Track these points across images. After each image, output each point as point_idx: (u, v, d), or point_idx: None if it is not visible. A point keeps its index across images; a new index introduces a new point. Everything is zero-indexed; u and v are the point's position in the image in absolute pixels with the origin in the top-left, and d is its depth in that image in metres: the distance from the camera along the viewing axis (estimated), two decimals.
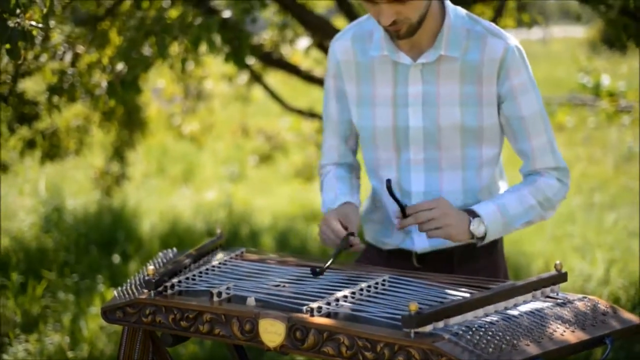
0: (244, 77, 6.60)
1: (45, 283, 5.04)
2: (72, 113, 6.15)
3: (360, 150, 2.44)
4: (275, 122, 8.80)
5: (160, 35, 3.56)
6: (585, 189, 8.24)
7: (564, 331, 1.79)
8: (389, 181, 2.17)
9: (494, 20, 4.19)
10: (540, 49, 21.37)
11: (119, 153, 6.58)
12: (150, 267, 1.97)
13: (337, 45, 2.37)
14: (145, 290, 1.97)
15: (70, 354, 4.24)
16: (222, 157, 9.19)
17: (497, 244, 2.41)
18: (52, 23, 3.63)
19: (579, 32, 22.58)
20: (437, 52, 2.23)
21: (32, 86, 5.50)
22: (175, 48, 4.45)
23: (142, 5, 4.31)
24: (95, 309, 4.72)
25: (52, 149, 5.84)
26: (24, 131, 5.44)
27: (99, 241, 6.04)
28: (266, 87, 5.52)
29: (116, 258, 5.69)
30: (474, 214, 2.21)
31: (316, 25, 4.80)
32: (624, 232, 6.52)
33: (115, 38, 4.71)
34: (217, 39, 3.85)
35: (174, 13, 4.36)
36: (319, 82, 5.32)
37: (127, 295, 2.00)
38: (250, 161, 8.27)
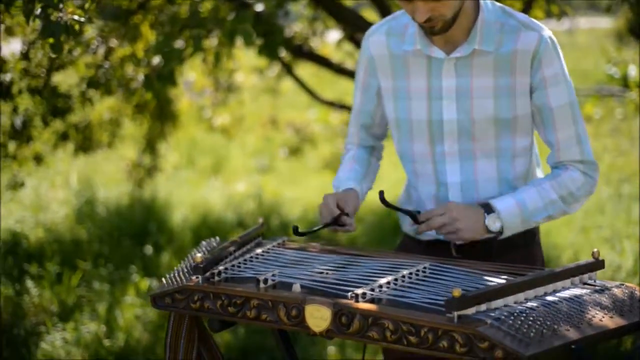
0: (274, 69, 6.66)
1: (81, 273, 5.13)
2: (105, 106, 6.22)
3: (396, 142, 2.47)
4: (304, 115, 8.85)
5: (195, 29, 3.61)
6: (613, 180, 8.24)
7: (603, 317, 1.83)
8: (381, 192, 2.25)
9: (523, 12, 4.22)
10: (566, 40, 21.26)
11: (150, 145, 6.65)
12: (198, 255, 2.03)
13: (372, 40, 2.41)
14: (194, 277, 2.03)
15: (106, 342, 4.32)
16: (251, 149, 9.26)
17: (535, 235, 2.44)
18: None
19: (606, 23, 22.42)
20: (471, 47, 2.27)
21: (66, 80, 5.57)
22: (208, 42, 4.51)
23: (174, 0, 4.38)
24: (130, 298, 4.80)
25: (85, 142, 5.93)
26: (57, 124, 5.52)
27: (132, 233, 6.12)
28: (296, 79, 5.57)
29: (148, 249, 5.77)
30: (490, 209, 2.25)
31: (347, 18, 4.84)
32: None
33: (147, 32, 4.78)
34: (252, 32, 3.90)
35: (207, 6, 4.42)
36: (349, 74, 5.36)
37: (175, 282, 2.06)
38: (279, 153, 8.33)
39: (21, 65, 4.79)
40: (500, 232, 2.26)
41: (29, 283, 4.90)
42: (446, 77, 2.31)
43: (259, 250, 2.23)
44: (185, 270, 2.13)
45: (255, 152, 9.13)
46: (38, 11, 2.73)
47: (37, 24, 4.52)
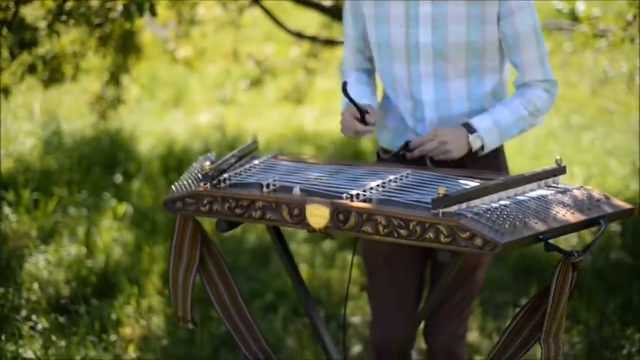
0: (236, 1, 6.78)
1: (56, 199, 5.30)
2: (69, 39, 6.30)
3: (377, 62, 2.70)
4: (263, 48, 8.99)
5: None
6: (563, 110, 8.56)
7: (565, 213, 2.09)
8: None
9: None
10: None
11: (114, 78, 6.76)
12: (206, 163, 2.25)
13: None
14: (202, 184, 2.25)
15: (88, 263, 4.52)
16: (213, 82, 9.41)
17: (501, 148, 2.71)
18: None
19: None
20: None
21: (33, 12, 5.65)
22: None
23: None
24: (108, 221, 5.00)
25: (53, 74, 6.03)
26: (24, 56, 5.62)
27: (101, 162, 6.28)
28: (263, 8, 5.73)
29: (118, 178, 5.94)
30: (471, 129, 2.52)
31: None
32: (601, 151, 6.87)
33: None
34: None
35: None
36: (314, 6, 5.52)
37: (184, 189, 2.28)
38: (240, 85, 8.50)
39: None
40: (481, 149, 2.53)
41: (6, 210, 5.06)
42: (423, 4, 2.54)
43: (255, 162, 2.46)
44: (192, 178, 2.35)
45: (217, 85, 9.28)
46: None
47: None
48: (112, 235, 4.86)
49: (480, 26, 2.54)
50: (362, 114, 2.47)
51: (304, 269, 4.61)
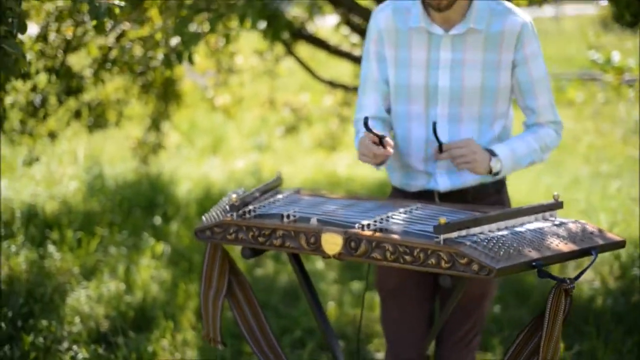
0: (273, 52, 7.09)
1: (98, 239, 5.57)
2: (113, 86, 6.63)
3: (393, 104, 2.90)
4: (299, 97, 9.31)
5: (211, 12, 4.04)
6: (592, 159, 8.72)
7: (559, 243, 2.29)
8: (434, 124, 2.68)
9: None
10: (552, 27, 21.74)
11: (155, 124, 7.06)
12: (234, 196, 2.49)
13: (380, 15, 2.86)
14: (229, 215, 2.49)
15: (126, 299, 4.76)
16: (249, 129, 9.72)
17: (504, 185, 2.93)
18: None
19: (591, 10, 22.79)
20: (467, 25, 2.74)
21: (79, 61, 5.98)
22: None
23: None
24: (147, 260, 5.26)
25: (97, 120, 6.34)
26: (70, 102, 5.93)
27: (141, 204, 6.56)
28: (297, 58, 6.00)
29: (157, 220, 6.20)
30: (493, 153, 2.73)
31: (343, 3, 5.28)
32: (627, 198, 7.01)
33: (155, 16, 5.19)
34: (259, 16, 4.33)
35: None
36: (345, 55, 5.79)
37: (213, 219, 2.52)
38: (276, 132, 8.79)
39: (38, 47, 5.20)
40: (497, 173, 2.74)
41: (51, 248, 5.33)
42: (444, 50, 2.77)
43: (279, 196, 2.70)
44: (220, 210, 2.58)
45: (253, 132, 9.59)
46: None
47: (54, 7, 4.95)
48: (150, 273, 5.10)
49: (495, 72, 2.77)
50: (380, 138, 2.61)
51: (332, 307, 4.81)
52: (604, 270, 5.25)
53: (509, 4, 2.80)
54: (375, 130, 2.60)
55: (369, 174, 7.64)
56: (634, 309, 4.75)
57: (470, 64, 2.77)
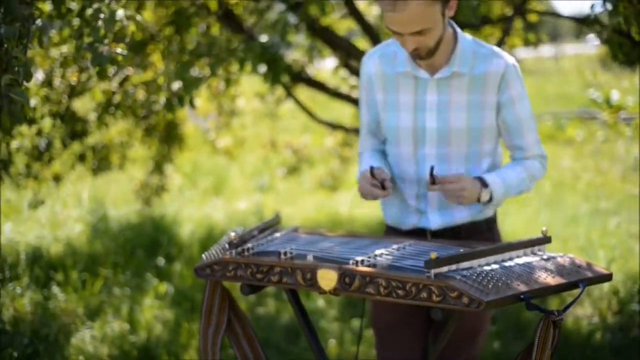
0: (274, 95, 7.21)
1: (102, 280, 5.65)
2: (117, 130, 6.74)
3: (386, 146, 3.01)
4: (300, 138, 9.43)
5: (212, 57, 4.16)
6: (592, 196, 8.80)
7: (547, 277, 2.37)
8: (432, 167, 2.77)
9: (502, 39, 4.73)
10: (551, 66, 21.93)
11: (158, 166, 7.16)
12: (232, 234, 2.57)
13: (369, 62, 2.97)
14: (228, 253, 2.57)
15: (130, 339, 4.83)
16: (251, 170, 9.83)
17: (495, 222, 3.00)
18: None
19: (590, 49, 22.98)
20: (451, 69, 2.83)
21: (83, 105, 6.11)
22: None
23: (184, 31, 4.92)
24: (150, 300, 5.33)
25: (101, 162, 6.45)
26: (75, 146, 6.04)
27: (144, 245, 6.64)
28: (297, 101, 6.11)
29: (160, 260, 6.28)
30: (484, 183, 2.80)
31: (341, 46, 5.40)
32: (626, 234, 7.08)
33: (158, 61, 5.32)
34: (259, 60, 4.45)
35: (215, 30, 4.97)
36: (344, 98, 5.90)
37: (213, 257, 2.60)
38: (278, 173, 8.90)
39: (43, 92, 5.32)
40: (486, 202, 2.83)
41: (55, 289, 5.41)
42: (430, 93, 2.86)
43: (277, 234, 2.79)
44: (220, 248, 2.66)
45: (255, 173, 9.70)
46: (86, 45, 3.26)
47: (58, 54, 5.07)
48: (153, 313, 5.17)
49: (480, 112, 2.86)
50: (381, 182, 2.75)
51: (332, 345, 4.87)
52: (602, 306, 5.31)
53: (491, 47, 2.89)
54: (377, 177, 2.76)
55: (371, 213, 7.73)
56: (633, 344, 4.81)
57: (455, 106, 2.85)
